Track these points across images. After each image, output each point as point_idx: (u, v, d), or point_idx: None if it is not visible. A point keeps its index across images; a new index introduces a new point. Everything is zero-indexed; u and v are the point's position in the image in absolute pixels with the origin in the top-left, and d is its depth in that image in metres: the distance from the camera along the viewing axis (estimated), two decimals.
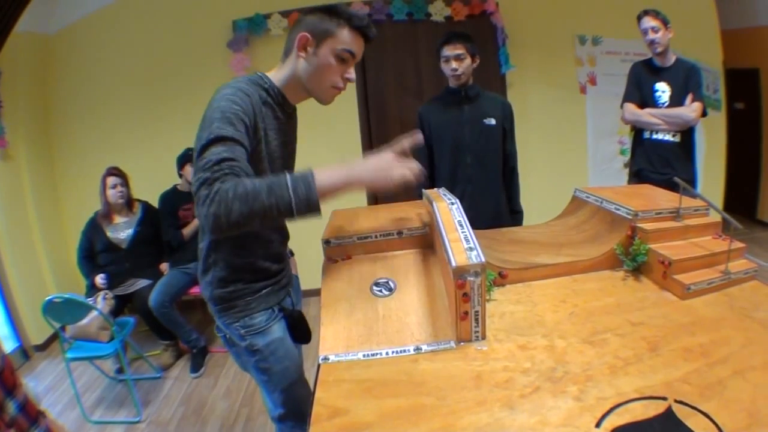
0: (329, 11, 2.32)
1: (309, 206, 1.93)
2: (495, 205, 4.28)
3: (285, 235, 2.70)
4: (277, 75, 2.42)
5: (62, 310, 4.43)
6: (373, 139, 6.83)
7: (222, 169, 1.89)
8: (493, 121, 4.13)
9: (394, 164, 2.10)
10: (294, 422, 2.77)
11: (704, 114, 4.55)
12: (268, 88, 2.36)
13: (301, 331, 2.70)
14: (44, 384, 5.30)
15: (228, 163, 1.92)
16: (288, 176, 1.94)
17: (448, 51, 4.02)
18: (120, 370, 5.21)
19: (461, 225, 2.10)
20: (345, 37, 2.31)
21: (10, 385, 1.76)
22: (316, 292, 2.29)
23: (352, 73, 2.41)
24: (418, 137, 2.36)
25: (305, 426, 2.66)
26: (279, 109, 2.41)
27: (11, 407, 1.75)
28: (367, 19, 2.39)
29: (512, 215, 4.46)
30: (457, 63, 4.01)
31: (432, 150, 4.31)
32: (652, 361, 1.74)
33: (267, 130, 2.32)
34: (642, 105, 4.74)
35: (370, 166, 2.09)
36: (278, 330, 2.57)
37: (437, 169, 4.30)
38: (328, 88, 2.39)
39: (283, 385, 2.64)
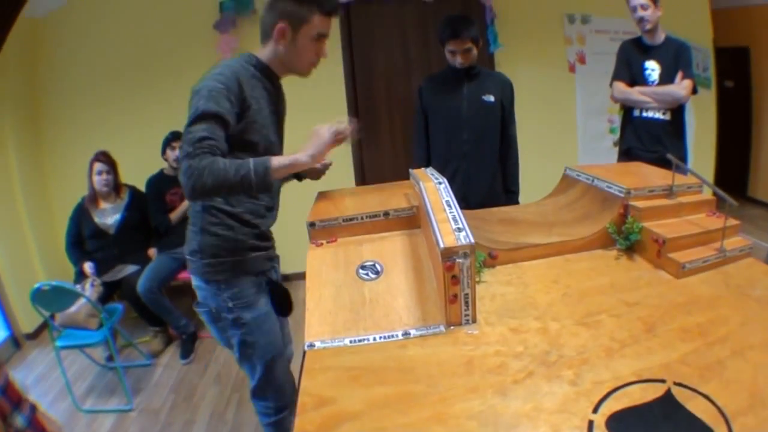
0: None
1: (264, 184, 2.33)
2: (489, 183, 4.25)
3: (274, 216, 2.91)
4: (261, 53, 2.69)
5: (50, 298, 4.39)
6: (360, 120, 6.75)
7: (202, 147, 2.24)
8: (492, 98, 4.12)
9: (322, 129, 2.54)
10: (269, 399, 2.92)
11: (694, 92, 4.53)
12: (255, 64, 2.65)
13: (284, 304, 2.89)
14: (35, 373, 5.27)
15: (207, 141, 2.26)
16: (251, 161, 2.33)
17: (455, 46, 3.98)
18: (110, 358, 5.17)
19: (449, 205, 2.06)
20: (317, 22, 2.60)
21: None
22: (301, 276, 2.27)
23: (325, 49, 2.72)
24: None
25: (279, 405, 2.91)
26: (267, 82, 2.70)
27: None
28: (334, 1, 2.68)
29: (507, 195, 4.42)
30: (464, 58, 3.99)
31: (429, 125, 4.29)
32: (649, 342, 1.71)
33: (258, 99, 2.60)
34: (631, 83, 4.73)
35: (307, 146, 2.49)
36: (265, 303, 2.74)
37: (433, 143, 4.30)
38: (306, 66, 2.73)
39: (266, 358, 2.78)
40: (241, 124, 2.50)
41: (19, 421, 1.79)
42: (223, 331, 2.77)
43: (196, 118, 2.30)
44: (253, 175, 2.29)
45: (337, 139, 2.57)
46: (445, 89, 4.20)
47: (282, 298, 2.86)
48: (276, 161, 2.36)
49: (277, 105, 2.82)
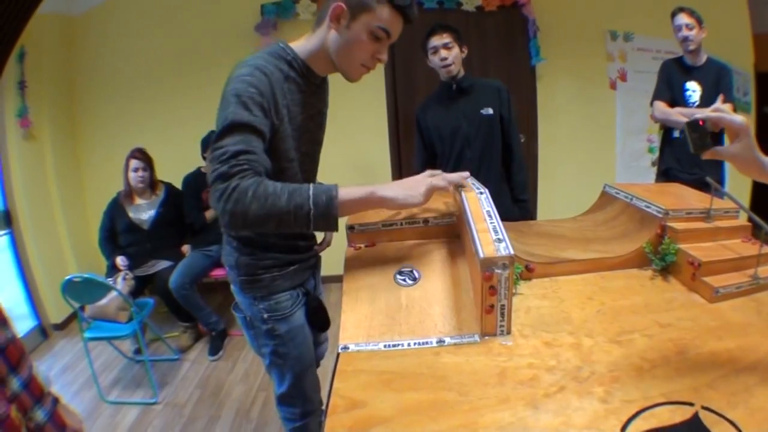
0: None
1: (327, 220, 1.94)
2: (496, 197, 4.17)
3: None
4: (304, 45, 2.29)
5: (82, 290, 4.44)
6: (400, 130, 6.80)
7: (240, 164, 1.88)
8: (490, 111, 4.12)
9: (421, 181, 2.12)
10: (296, 406, 2.82)
11: None
12: (291, 61, 2.25)
13: (320, 319, 2.69)
14: (62, 363, 5.35)
15: (245, 156, 1.91)
16: (311, 187, 1.94)
17: (435, 41, 4.01)
18: (138, 351, 5.24)
19: (490, 215, 2.07)
20: (383, 15, 2.13)
21: (15, 361, 1.74)
22: (338, 279, 2.27)
23: (384, 54, 2.26)
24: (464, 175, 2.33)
25: (306, 411, 2.80)
26: (304, 82, 2.30)
27: (15, 383, 1.72)
28: None
29: (517, 204, 4.38)
30: (446, 51, 3.99)
31: (431, 149, 4.33)
32: (679, 364, 1.71)
33: (290, 106, 2.23)
34: (672, 103, 4.71)
35: (396, 185, 2.09)
36: (300, 316, 2.56)
37: (438, 167, 4.26)
38: (356, 66, 2.25)
39: (296, 370, 2.66)
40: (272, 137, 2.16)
41: (39, 415, 1.80)
42: (256, 339, 2.68)
43: (225, 130, 1.96)
44: (312, 204, 1.91)
45: (432, 193, 2.15)
46: (441, 110, 4.21)
47: (318, 314, 2.68)
48: (345, 192, 1.99)
49: (315, 107, 2.43)
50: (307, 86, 2.33)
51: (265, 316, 2.48)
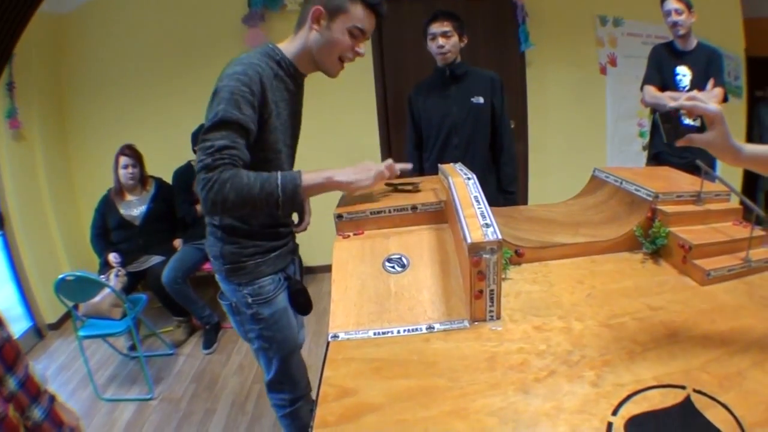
0: None
1: (293, 203, 2.30)
2: (482, 186, 4.17)
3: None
4: (288, 46, 2.51)
5: (75, 288, 4.44)
6: (389, 117, 6.80)
7: (223, 158, 2.14)
8: (481, 100, 4.14)
9: (372, 166, 2.48)
10: (285, 391, 2.95)
11: (725, 100, 4.50)
12: (280, 61, 2.46)
13: (302, 301, 2.84)
14: (57, 363, 5.35)
15: (228, 151, 2.16)
16: (279, 176, 2.25)
17: (435, 28, 4.05)
18: (132, 348, 5.25)
19: (477, 200, 2.06)
20: (358, 14, 2.40)
21: (11, 361, 1.74)
22: (328, 269, 2.28)
23: (361, 48, 2.51)
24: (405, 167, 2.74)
25: (296, 396, 2.94)
26: (291, 81, 2.53)
27: (11, 383, 1.72)
28: None
29: (504, 195, 4.39)
30: (443, 39, 4.03)
31: (421, 133, 4.34)
32: (670, 347, 1.70)
33: (278, 102, 2.43)
34: (662, 88, 4.70)
35: (350, 170, 2.43)
36: (283, 300, 2.72)
37: (425, 152, 4.34)
38: (336, 62, 2.51)
39: (282, 353, 2.80)
40: (260, 130, 2.36)
41: (36, 413, 1.80)
42: (242, 324, 2.80)
43: (215, 125, 2.17)
44: (281, 192, 2.23)
45: (381, 178, 2.53)
46: (433, 95, 4.23)
47: (300, 296, 2.83)
48: (307, 177, 2.29)
49: (297, 105, 2.68)
50: (293, 85, 2.58)
51: (249, 300, 2.63)
